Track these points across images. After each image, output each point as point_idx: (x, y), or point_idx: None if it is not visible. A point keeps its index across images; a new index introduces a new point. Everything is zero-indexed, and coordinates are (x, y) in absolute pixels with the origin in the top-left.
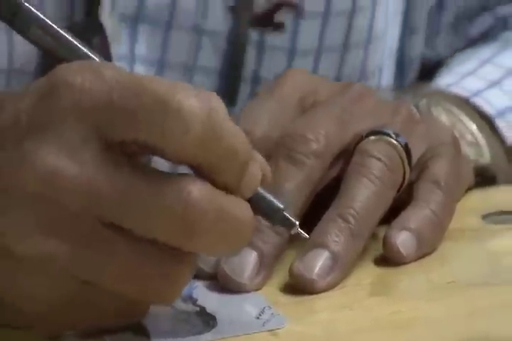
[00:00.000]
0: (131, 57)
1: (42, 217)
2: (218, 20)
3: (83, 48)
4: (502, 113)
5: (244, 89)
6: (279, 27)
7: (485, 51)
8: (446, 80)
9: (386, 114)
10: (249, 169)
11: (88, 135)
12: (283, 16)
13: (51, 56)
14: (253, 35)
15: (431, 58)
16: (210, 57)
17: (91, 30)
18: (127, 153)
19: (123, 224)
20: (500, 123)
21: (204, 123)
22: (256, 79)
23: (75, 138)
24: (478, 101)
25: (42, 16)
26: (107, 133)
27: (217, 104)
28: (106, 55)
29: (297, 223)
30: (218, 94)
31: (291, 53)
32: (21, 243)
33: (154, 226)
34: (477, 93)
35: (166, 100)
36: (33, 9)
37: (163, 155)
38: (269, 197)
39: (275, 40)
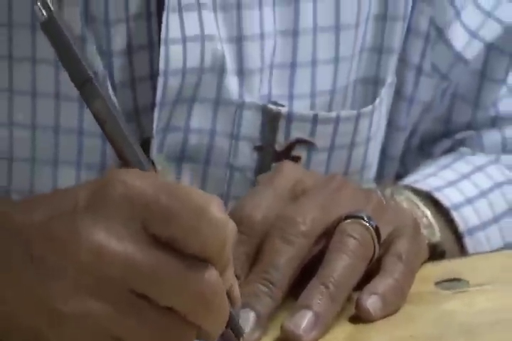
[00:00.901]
0: None
1: (85, 282)
2: (247, 157)
3: (130, 137)
4: (457, 206)
5: None
6: (296, 160)
7: (444, 159)
8: (413, 178)
9: (360, 201)
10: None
11: (132, 222)
12: (299, 151)
13: (104, 131)
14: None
15: (402, 175)
16: (241, 188)
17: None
18: (161, 238)
19: (151, 295)
20: (454, 214)
21: (227, 232)
22: None
23: (121, 223)
24: (438, 194)
25: (104, 96)
26: (147, 225)
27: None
28: None
29: (245, 333)
30: None
31: None
32: (65, 302)
33: (177, 300)
34: (437, 188)
35: (202, 208)
36: (98, 87)
37: (186, 250)
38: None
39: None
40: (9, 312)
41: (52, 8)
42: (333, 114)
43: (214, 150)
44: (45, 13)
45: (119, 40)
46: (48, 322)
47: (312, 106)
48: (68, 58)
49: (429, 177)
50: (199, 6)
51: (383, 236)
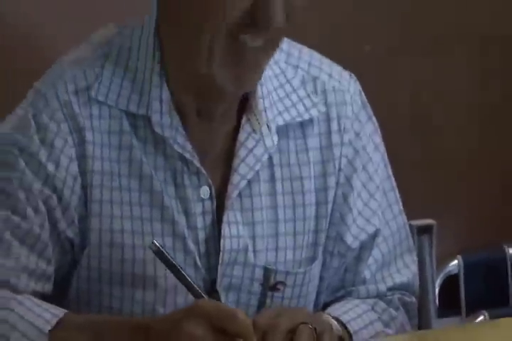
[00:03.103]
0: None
1: None
2: (257, 290)
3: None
4: (348, 321)
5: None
6: (278, 289)
7: (343, 303)
8: (336, 311)
9: (309, 317)
10: None
11: (205, 325)
12: (280, 286)
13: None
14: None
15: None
16: (256, 298)
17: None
18: (220, 329)
19: None
20: (347, 325)
21: (247, 324)
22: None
23: (200, 325)
24: (342, 317)
25: (189, 280)
26: (213, 325)
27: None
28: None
29: None
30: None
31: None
32: None
33: None
34: (340, 315)
35: (234, 315)
36: (187, 277)
37: (231, 333)
38: None
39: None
40: None
41: (158, 245)
42: (295, 270)
43: (243, 287)
44: (154, 248)
45: (201, 240)
46: None
47: (284, 266)
48: (170, 266)
49: (335, 310)
50: (237, 222)
51: (318, 330)
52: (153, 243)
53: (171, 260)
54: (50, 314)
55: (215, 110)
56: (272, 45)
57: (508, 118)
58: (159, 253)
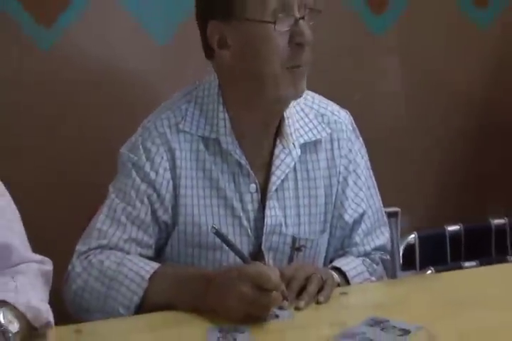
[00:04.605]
0: None
1: (237, 296)
2: (288, 250)
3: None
4: (347, 270)
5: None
6: (301, 250)
7: (345, 257)
8: (339, 263)
9: (317, 269)
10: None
11: (249, 283)
12: (302, 248)
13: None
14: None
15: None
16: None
17: (261, 254)
18: (258, 287)
19: (255, 301)
20: (347, 273)
21: (277, 282)
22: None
23: (245, 284)
24: (344, 268)
25: (246, 257)
26: (253, 284)
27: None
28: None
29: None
30: None
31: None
32: (232, 298)
33: (262, 300)
34: (342, 266)
35: (269, 276)
36: (243, 253)
37: (266, 288)
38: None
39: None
40: (206, 302)
41: (216, 227)
42: (311, 238)
43: (279, 249)
44: (214, 230)
45: (251, 218)
46: (227, 301)
47: (304, 235)
48: (229, 244)
49: (338, 263)
50: (279, 206)
51: (324, 278)
52: (213, 227)
53: (226, 237)
54: (150, 266)
55: (264, 127)
56: (305, 63)
57: (456, 118)
58: (218, 233)
